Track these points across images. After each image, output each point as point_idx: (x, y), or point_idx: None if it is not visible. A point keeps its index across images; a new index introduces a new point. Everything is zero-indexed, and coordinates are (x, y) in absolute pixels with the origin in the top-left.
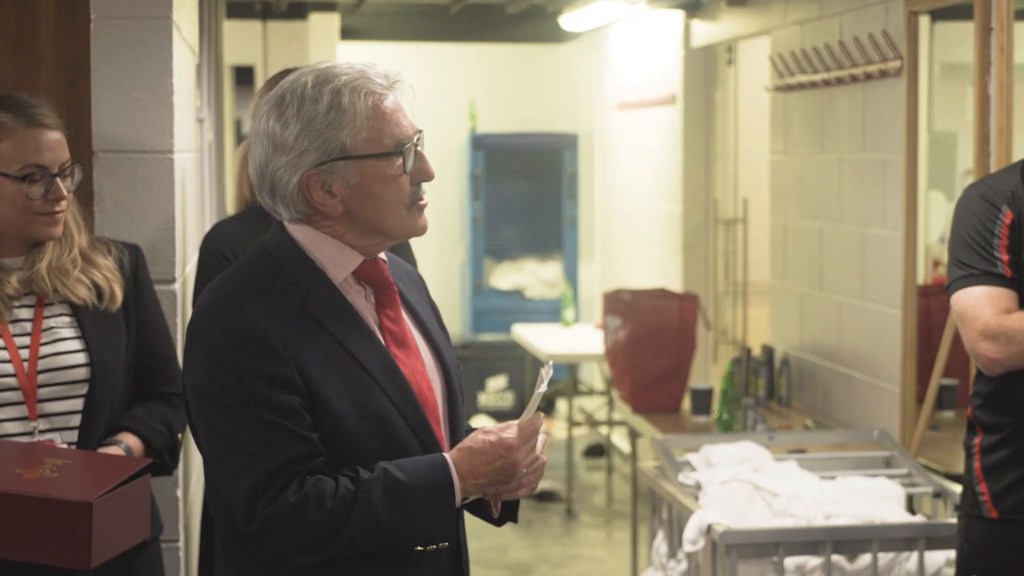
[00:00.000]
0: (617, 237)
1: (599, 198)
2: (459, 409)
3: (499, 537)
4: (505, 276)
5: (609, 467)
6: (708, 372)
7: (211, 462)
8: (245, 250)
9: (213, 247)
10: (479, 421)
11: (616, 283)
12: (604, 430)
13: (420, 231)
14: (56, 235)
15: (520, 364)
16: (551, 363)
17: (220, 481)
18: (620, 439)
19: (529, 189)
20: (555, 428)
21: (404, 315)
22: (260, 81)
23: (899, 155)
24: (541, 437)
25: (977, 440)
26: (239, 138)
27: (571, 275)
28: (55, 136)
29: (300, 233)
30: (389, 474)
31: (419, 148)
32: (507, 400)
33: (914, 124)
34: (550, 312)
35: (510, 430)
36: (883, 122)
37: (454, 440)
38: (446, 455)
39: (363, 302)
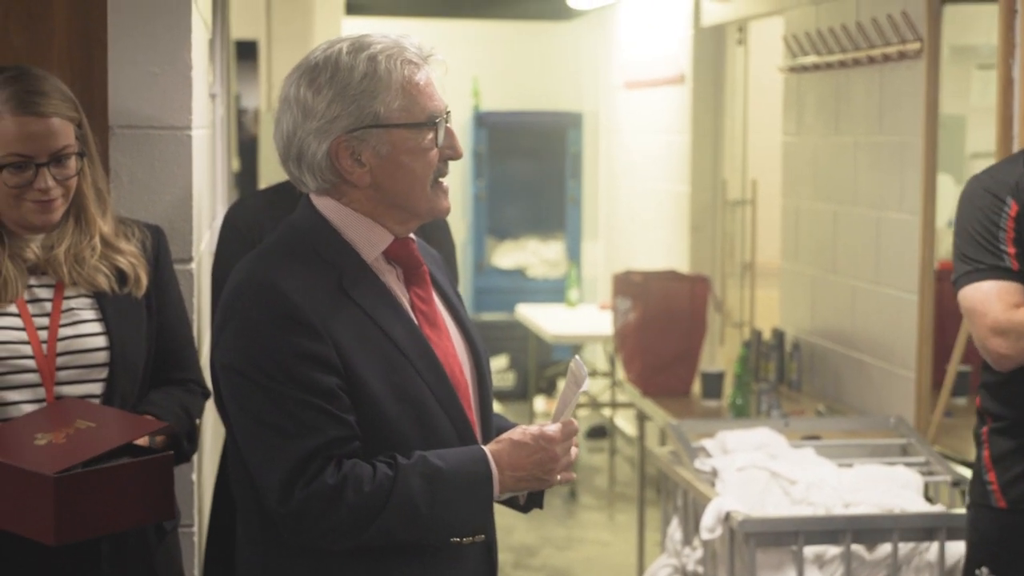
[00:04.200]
0: (622, 217)
1: (603, 178)
2: (488, 392)
3: (503, 519)
4: (507, 255)
5: (612, 449)
6: (715, 354)
7: (244, 444)
8: (262, 226)
9: (230, 222)
10: None
11: (621, 263)
12: (607, 412)
13: (444, 211)
14: (50, 222)
15: (523, 344)
16: (578, 358)
17: (253, 463)
18: (623, 421)
19: (532, 168)
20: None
21: (434, 295)
22: (263, 56)
23: (916, 138)
24: (574, 450)
25: (986, 429)
26: (238, 113)
27: (574, 255)
28: (48, 124)
29: (330, 210)
30: (428, 461)
31: (449, 125)
32: (508, 380)
33: (934, 107)
34: (552, 292)
35: (552, 425)
36: (901, 104)
37: (484, 424)
38: (484, 448)
39: (395, 281)
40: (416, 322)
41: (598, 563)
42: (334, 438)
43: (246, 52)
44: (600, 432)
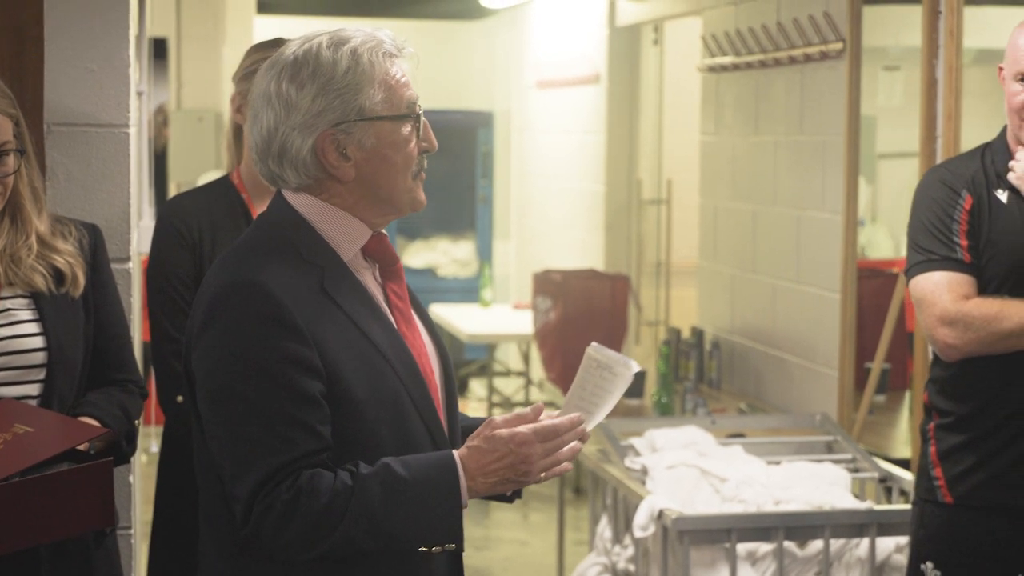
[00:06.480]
0: (535, 217)
1: (516, 177)
2: (454, 389)
3: None
4: (417, 255)
5: None
6: (631, 353)
7: (218, 452)
8: (201, 226)
9: (170, 223)
10: None
11: (534, 263)
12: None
13: (420, 205)
14: None
15: None
16: (597, 344)
17: (225, 473)
18: None
19: (442, 167)
20: (471, 409)
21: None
22: (174, 53)
23: (838, 137)
24: (575, 443)
25: (933, 425)
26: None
27: (484, 254)
28: None
29: (306, 206)
30: (390, 470)
31: (424, 119)
32: None
33: (856, 106)
34: (463, 291)
35: (527, 425)
36: (822, 104)
37: (451, 422)
38: (455, 452)
39: (371, 280)
40: (394, 321)
41: (517, 562)
42: (304, 452)
43: (156, 50)
44: None
